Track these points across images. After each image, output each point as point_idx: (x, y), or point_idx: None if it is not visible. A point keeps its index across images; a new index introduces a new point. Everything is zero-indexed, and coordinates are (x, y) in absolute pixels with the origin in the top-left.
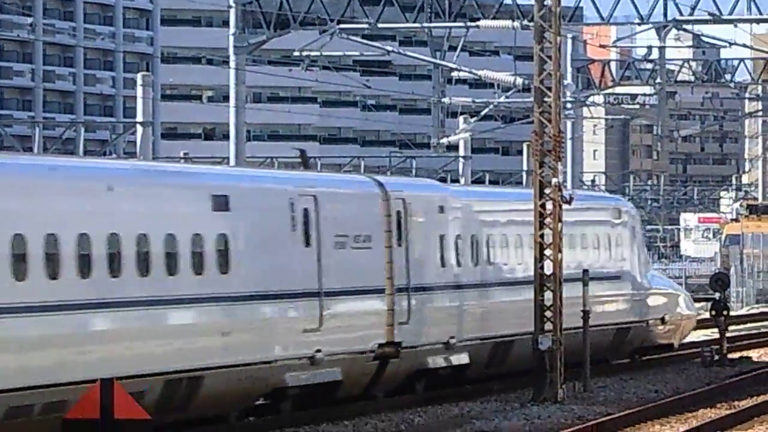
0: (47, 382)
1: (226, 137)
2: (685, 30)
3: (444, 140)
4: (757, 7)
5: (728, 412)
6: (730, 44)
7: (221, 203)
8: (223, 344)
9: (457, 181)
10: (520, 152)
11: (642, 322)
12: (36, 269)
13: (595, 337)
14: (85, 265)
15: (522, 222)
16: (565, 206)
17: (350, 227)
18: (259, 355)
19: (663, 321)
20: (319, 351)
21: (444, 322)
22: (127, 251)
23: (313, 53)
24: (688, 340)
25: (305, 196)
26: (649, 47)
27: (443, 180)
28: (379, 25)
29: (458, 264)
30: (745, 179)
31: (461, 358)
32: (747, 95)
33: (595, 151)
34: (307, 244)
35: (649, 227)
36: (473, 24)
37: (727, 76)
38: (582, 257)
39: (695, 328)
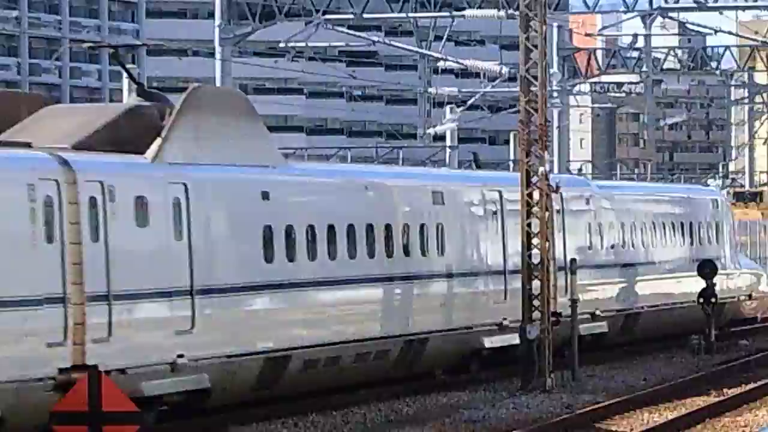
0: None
1: None
2: (670, 18)
3: (431, 130)
4: None
5: (717, 399)
6: (716, 31)
7: (438, 198)
8: (442, 313)
9: None
10: (507, 141)
11: (734, 298)
12: (342, 251)
13: (698, 311)
14: (372, 248)
15: (647, 212)
16: (678, 199)
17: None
18: (465, 323)
19: (750, 297)
20: (505, 319)
21: (588, 296)
22: (395, 238)
23: (298, 44)
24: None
25: (493, 192)
26: (635, 35)
27: None
28: (365, 16)
29: (600, 247)
30: (731, 167)
31: (602, 327)
32: (733, 83)
33: (581, 139)
34: (496, 231)
35: None
36: (459, 14)
37: (713, 64)
38: (696, 245)
39: None
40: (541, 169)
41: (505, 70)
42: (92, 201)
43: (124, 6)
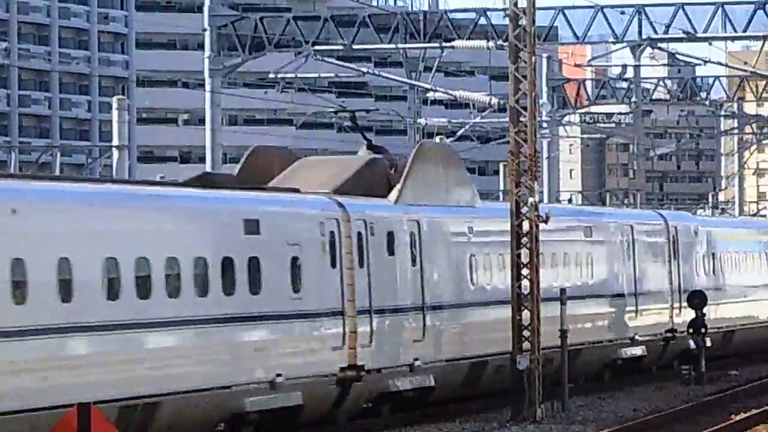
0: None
1: (202, 160)
2: (659, 48)
3: None
4: (732, 25)
5: (707, 430)
6: (705, 62)
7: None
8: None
9: None
10: (497, 172)
11: None
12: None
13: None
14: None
15: (742, 241)
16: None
17: (650, 251)
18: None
19: None
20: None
21: (714, 314)
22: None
23: (288, 75)
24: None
25: (626, 226)
26: (624, 66)
27: None
28: (354, 47)
29: (704, 273)
30: (721, 197)
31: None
32: (722, 113)
33: (571, 170)
34: (628, 258)
35: None
36: (448, 44)
37: (703, 94)
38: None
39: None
40: (530, 199)
41: (494, 100)
42: (359, 235)
43: (113, 37)
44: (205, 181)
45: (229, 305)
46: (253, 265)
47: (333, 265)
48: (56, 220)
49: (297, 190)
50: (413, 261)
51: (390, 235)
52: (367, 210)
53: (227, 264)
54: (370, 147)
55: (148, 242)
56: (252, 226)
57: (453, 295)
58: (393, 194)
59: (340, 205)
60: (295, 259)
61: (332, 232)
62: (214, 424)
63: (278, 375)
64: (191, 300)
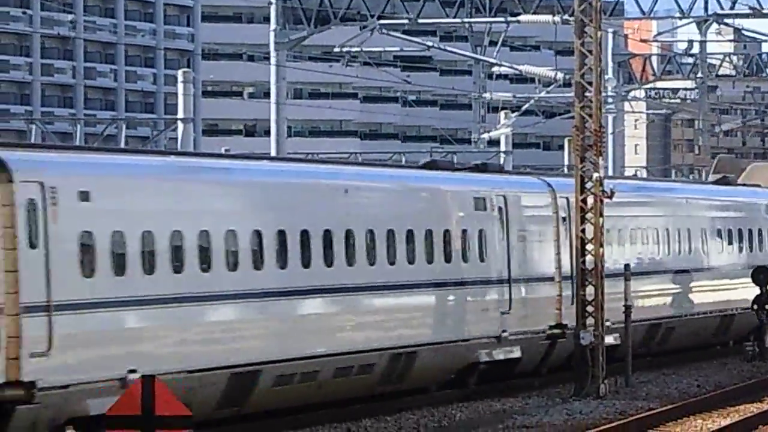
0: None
1: (267, 133)
2: (725, 24)
3: (485, 135)
4: None
5: None
6: None
7: None
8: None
9: None
10: (561, 147)
11: None
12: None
13: None
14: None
15: None
16: None
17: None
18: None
19: None
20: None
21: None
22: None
23: (353, 49)
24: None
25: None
26: (690, 41)
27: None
28: (420, 21)
29: None
30: None
31: None
32: None
33: (636, 145)
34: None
35: None
36: (513, 19)
37: None
38: None
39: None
40: (595, 174)
41: (559, 75)
42: None
43: (179, 10)
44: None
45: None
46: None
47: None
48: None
49: (758, 185)
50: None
51: None
52: None
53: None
54: None
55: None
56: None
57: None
58: None
59: None
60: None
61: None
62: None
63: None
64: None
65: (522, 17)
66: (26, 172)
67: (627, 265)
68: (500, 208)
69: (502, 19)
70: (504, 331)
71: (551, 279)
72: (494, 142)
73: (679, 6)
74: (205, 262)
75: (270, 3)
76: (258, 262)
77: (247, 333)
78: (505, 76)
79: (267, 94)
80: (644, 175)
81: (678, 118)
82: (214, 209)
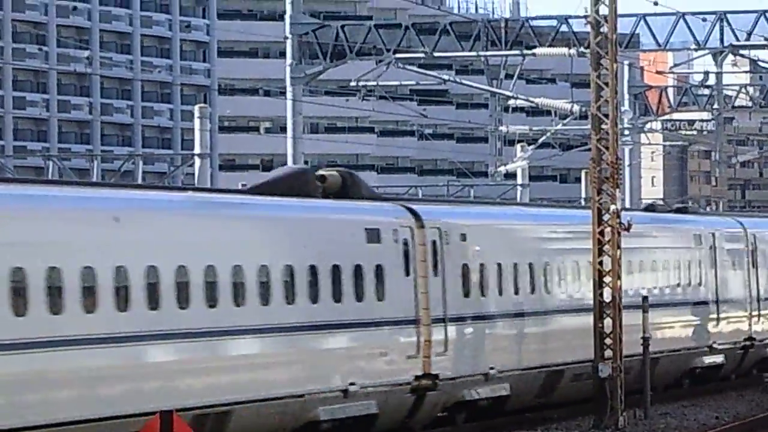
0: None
1: None
2: (741, 55)
3: (502, 168)
4: None
5: None
6: None
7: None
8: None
9: None
10: (578, 179)
11: None
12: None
13: None
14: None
15: None
16: None
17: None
18: None
19: None
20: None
21: None
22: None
23: (369, 83)
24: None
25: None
26: (706, 73)
27: None
28: (436, 54)
29: None
30: None
31: None
32: None
33: (653, 177)
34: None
35: None
36: (529, 52)
37: None
38: None
39: None
40: (612, 207)
41: (576, 108)
42: None
43: (195, 45)
44: None
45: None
46: None
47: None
48: None
49: None
50: None
51: None
52: None
53: None
54: None
55: None
56: None
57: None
58: None
59: None
60: None
61: None
62: None
63: None
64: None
65: (538, 50)
66: (430, 221)
67: (645, 297)
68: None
69: (517, 52)
70: None
71: None
72: (511, 175)
73: (694, 37)
74: None
75: (286, 38)
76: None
77: None
78: (522, 109)
79: (283, 129)
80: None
81: (695, 149)
82: None
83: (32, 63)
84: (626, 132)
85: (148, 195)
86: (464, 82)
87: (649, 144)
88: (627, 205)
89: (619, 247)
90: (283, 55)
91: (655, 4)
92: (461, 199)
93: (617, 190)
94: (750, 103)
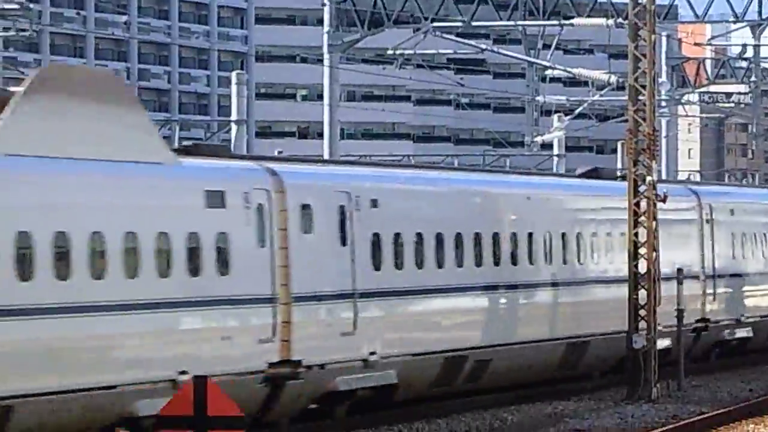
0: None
1: (320, 135)
2: None
3: (538, 138)
4: None
5: None
6: None
7: None
8: None
9: None
10: (615, 150)
11: None
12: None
13: None
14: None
15: None
16: None
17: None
18: None
19: None
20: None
21: None
22: None
23: (407, 51)
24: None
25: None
26: (744, 45)
27: None
28: (473, 24)
29: None
30: None
31: None
32: None
33: (690, 149)
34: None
35: None
36: (567, 22)
37: None
38: None
39: None
40: (648, 178)
41: (613, 79)
42: None
43: (233, 12)
44: None
45: None
46: None
47: None
48: None
49: None
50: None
51: None
52: None
53: None
54: None
55: None
56: None
57: None
58: None
59: None
60: None
61: None
62: None
63: None
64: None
65: (576, 20)
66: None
67: (680, 269)
68: None
69: (555, 22)
70: None
71: None
72: (547, 146)
73: (732, 9)
74: None
75: (323, 5)
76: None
77: None
78: (559, 79)
79: (320, 97)
80: (698, 178)
81: (731, 122)
82: None
83: (70, 27)
84: (663, 104)
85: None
86: (502, 51)
87: (686, 116)
88: (663, 176)
89: (655, 219)
90: (320, 22)
91: None
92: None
93: (654, 161)
94: None
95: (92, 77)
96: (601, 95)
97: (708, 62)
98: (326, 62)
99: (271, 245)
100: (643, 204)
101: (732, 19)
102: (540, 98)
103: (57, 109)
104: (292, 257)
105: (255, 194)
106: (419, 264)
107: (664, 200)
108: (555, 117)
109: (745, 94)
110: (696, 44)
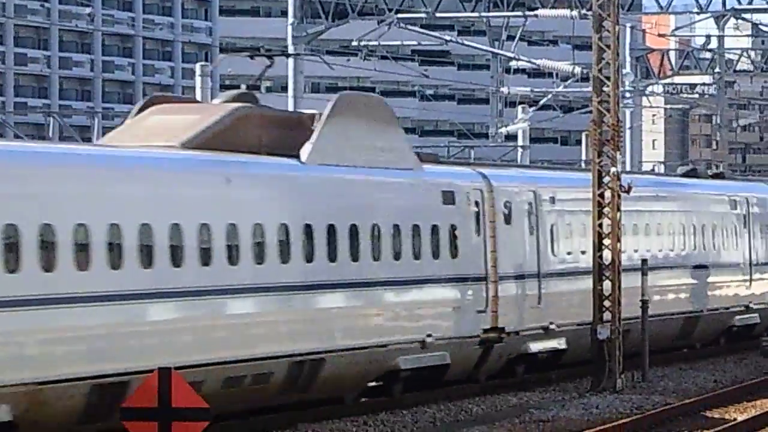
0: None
1: None
2: (743, 19)
3: (503, 130)
4: None
5: None
6: None
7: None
8: None
9: None
10: (579, 142)
11: None
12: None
13: None
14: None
15: None
16: None
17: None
18: None
19: None
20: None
21: None
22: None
23: (371, 43)
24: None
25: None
26: (708, 36)
27: None
28: (438, 15)
29: None
30: None
31: None
32: None
33: (654, 140)
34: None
35: None
36: (531, 13)
37: None
38: None
39: None
40: (612, 169)
41: (577, 70)
42: None
43: (197, 4)
44: None
45: None
46: None
47: None
48: None
49: None
50: None
51: None
52: None
53: None
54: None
55: None
56: None
57: None
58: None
59: None
60: None
61: None
62: None
63: None
64: None
65: (540, 12)
66: None
67: (645, 260)
68: None
69: (520, 13)
70: None
71: None
72: (512, 137)
73: (696, 1)
74: None
75: None
76: None
77: None
78: (523, 71)
79: (285, 88)
80: (662, 170)
81: (696, 113)
82: None
83: (34, 20)
84: (627, 95)
85: None
86: (466, 43)
87: (651, 107)
88: (628, 168)
89: (619, 210)
90: (284, 14)
91: None
92: None
93: (618, 152)
94: (751, 67)
95: (368, 103)
96: (566, 86)
97: (672, 53)
98: (290, 51)
99: (484, 234)
100: (608, 195)
101: (696, 10)
102: (504, 89)
103: (346, 129)
104: (498, 244)
105: (473, 193)
106: (584, 250)
107: (628, 191)
108: (519, 108)
109: (709, 85)
110: (660, 35)
